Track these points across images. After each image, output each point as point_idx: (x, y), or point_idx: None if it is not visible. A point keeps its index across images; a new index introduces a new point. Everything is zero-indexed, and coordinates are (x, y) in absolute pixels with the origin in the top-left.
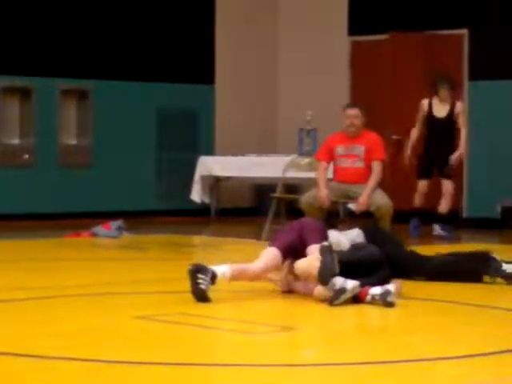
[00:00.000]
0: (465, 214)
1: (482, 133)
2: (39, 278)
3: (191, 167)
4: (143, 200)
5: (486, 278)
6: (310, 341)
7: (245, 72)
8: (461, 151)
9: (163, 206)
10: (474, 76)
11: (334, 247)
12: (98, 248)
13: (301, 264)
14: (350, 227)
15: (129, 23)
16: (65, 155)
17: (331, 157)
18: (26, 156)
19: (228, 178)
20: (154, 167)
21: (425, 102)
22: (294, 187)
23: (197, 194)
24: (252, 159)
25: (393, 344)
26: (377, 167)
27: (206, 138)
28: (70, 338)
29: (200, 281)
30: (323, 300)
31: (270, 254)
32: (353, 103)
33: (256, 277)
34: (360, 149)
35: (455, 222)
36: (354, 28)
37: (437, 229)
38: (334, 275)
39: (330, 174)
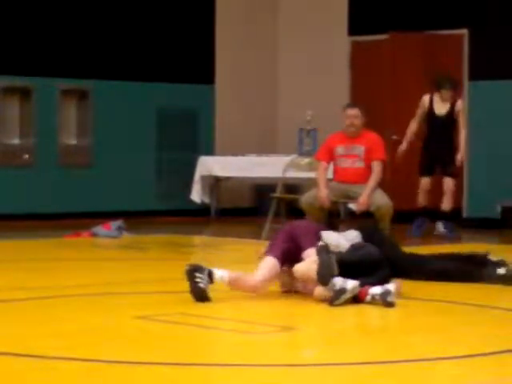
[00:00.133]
0: (465, 214)
1: (482, 133)
2: (39, 278)
3: (191, 167)
4: (143, 200)
5: (483, 282)
6: (310, 341)
7: (245, 72)
8: (461, 153)
9: (163, 206)
10: (474, 76)
11: (334, 249)
12: (98, 248)
13: (299, 267)
14: (349, 228)
15: (129, 23)
16: (65, 155)
17: (331, 157)
18: (26, 156)
19: (228, 178)
20: (154, 167)
21: (426, 98)
22: (294, 187)
23: (197, 194)
24: (252, 159)
25: (393, 344)
26: (377, 167)
27: (206, 138)
28: (70, 338)
29: (198, 280)
30: (323, 300)
31: (268, 266)
32: (353, 103)
33: (253, 289)
34: (360, 149)
35: (457, 221)
36: (354, 28)
37: (440, 227)
38: (332, 275)
39: (330, 174)
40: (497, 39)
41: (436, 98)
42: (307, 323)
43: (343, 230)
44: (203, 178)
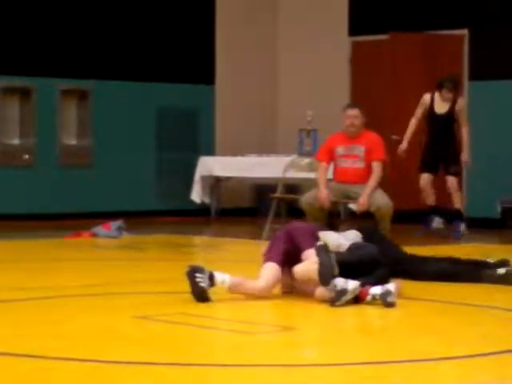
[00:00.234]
0: (465, 214)
1: (482, 133)
2: (39, 278)
3: (191, 167)
4: (143, 200)
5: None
6: (310, 341)
7: (245, 72)
8: (466, 152)
9: (163, 206)
10: (474, 76)
11: (334, 249)
12: (98, 248)
13: (299, 269)
14: (349, 228)
15: (129, 23)
16: (65, 155)
17: (331, 157)
18: (26, 156)
19: (228, 178)
20: (154, 167)
21: (427, 97)
22: (294, 187)
23: (197, 194)
24: (252, 159)
25: (393, 344)
26: (377, 167)
27: (206, 138)
28: (70, 338)
29: (199, 279)
30: (324, 301)
31: (269, 272)
32: (353, 103)
33: (256, 295)
34: (360, 149)
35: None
36: (355, 28)
37: (462, 227)
38: (333, 275)
39: (330, 175)
40: (497, 39)
41: (437, 96)
42: (307, 323)
43: (343, 230)
44: (203, 178)
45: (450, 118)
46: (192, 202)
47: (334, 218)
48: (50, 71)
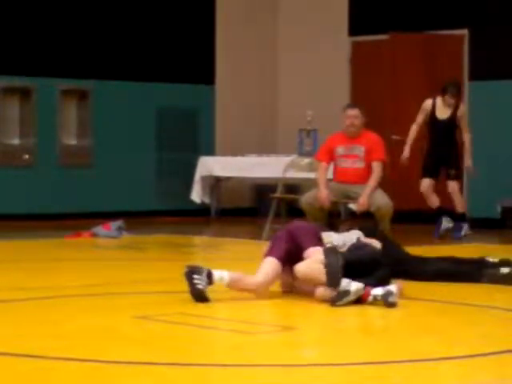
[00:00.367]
0: (466, 215)
1: (482, 133)
2: (39, 278)
3: (191, 167)
4: (143, 200)
5: (485, 282)
6: (310, 341)
7: (245, 72)
8: (468, 159)
9: (163, 206)
10: (474, 76)
11: (340, 246)
12: (98, 248)
13: (300, 267)
14: (350, 228)
15: (129, 23)
16: (65, 155)
17: (331, 157)
18: (26, 156)
19: (228, 179)
20: (154, 167)
21: (428, 103)
22: (294, 187)
23: (197, 195)
24: (252, 159)
25: (393, 344)
26: (377, 167)
27: (206, 138)
28: (70, 338)
29: (196, 281)
30: (325, 301)
31: (269, 267)
32: (353, 103)
33: (254, 290)
34: (360, 149)
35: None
36: (355, 28)
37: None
38: (341, 277)
39: (330, 175)
40: (497, 39)
41: (438, 102)
42: (307, 323)
43: (343, 230)
44: (203, 178)
45: (452, 123)
46: (192, 202)
47: (334, 218)
48: (50, 71)
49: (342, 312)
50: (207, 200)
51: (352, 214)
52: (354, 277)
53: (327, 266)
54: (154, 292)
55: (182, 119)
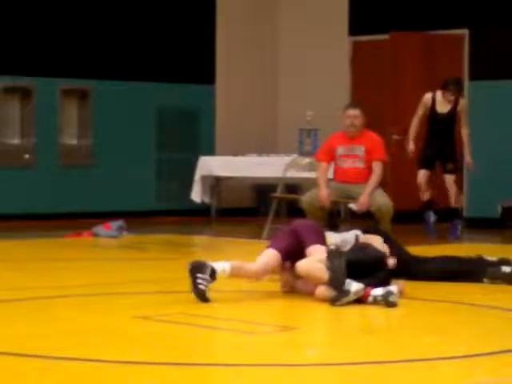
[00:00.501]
0: (465, 214)
1: (482, 133)
2: (39, 278)
3: (191, 167)
4: (143, 200)
5: (486, 281)
6: (311, 341)
7: (245, 72)
8: (467, 154)
9: (163, 206)
10: (474, 76)
11: (343, 245)
12: (98, 248)
13: (302, 265)
14: (351, 228)
15: (129, 23)
16: (65, 155)
17: (331, 157)
18: (27, 156)
19: (228, 178)
20: (154, 167)
21: (428, 97)
22: (294, 187)
23: (197, 194)
24: (252, 159)
25: (393, 344)
26: (377, 167)
27: (206, 138)
28: (70, 338)
29: (199, 281)
30: (325, 300)
31: (269, 254)
32: (353, 103)
33: (255, 276)
34: (360, 149)
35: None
36: (355, 28)
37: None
38: (345, 280)
39: (330, 175)
40: (497, 39)
41: (438, 96)
42: (307, 323)
43: (344, 230)
44: (203, 178)
45: (452, 117)
46: (192, 202)
47: (335, 218)
48: (51, 71)
49: (341, 312)
50: (207, 200)
51: (352, 214)
52: (354, 277)
53: (331, 269)
54: (154, 292)
55: (182, 119)
